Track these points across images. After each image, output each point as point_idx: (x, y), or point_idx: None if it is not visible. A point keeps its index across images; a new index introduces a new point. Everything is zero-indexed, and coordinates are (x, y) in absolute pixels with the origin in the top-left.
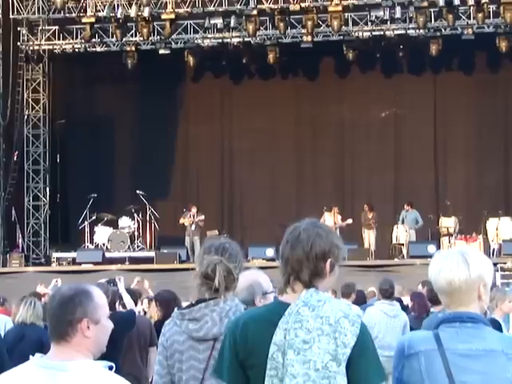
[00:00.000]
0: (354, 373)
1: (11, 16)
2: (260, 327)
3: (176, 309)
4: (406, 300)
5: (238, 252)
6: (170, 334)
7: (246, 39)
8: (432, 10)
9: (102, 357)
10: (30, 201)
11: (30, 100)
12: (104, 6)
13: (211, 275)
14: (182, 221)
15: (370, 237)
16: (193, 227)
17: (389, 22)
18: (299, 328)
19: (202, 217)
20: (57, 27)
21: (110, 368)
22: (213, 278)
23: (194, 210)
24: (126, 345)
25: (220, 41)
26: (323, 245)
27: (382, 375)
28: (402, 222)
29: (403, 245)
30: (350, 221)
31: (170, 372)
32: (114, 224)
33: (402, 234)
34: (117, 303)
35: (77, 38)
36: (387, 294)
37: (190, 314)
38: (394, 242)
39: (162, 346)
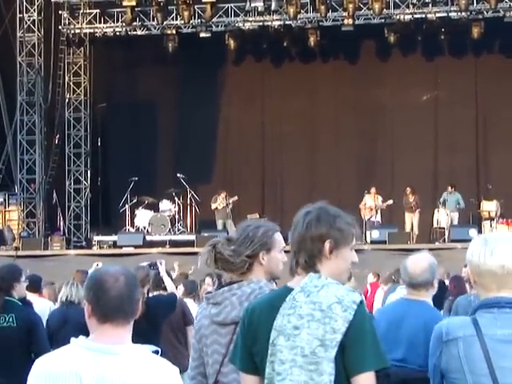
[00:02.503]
0: (347, 358)
1: (53, 0)
2: (264, 313)
3: (205, 293)
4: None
5: (258, 237)
6: (199, 318)
7: (286, 22)
8: None
9: (144, 339)
10: (71, 184)
11: (71, 83)
12: None
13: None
14: (213, 206)
15: (411, 220)
16: (227, 210)
17: (430, 5)
18: (292, 314)
19: (235, 197)
20: (98, 10)
21: (156, 352)
22: (203, 261)
23: (223, 194)
24: None
25: (261, 24)
26: (319, 227)
27: (380, 361)
28: (444, 205)
29: (444, 228)
30: (390, 201)
31: (201, 355)
32: (154, 207)
33: (443, 217)
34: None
35: (118, 21)
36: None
37: (214, 298)
38: (434, 225)
39: (195, 329)
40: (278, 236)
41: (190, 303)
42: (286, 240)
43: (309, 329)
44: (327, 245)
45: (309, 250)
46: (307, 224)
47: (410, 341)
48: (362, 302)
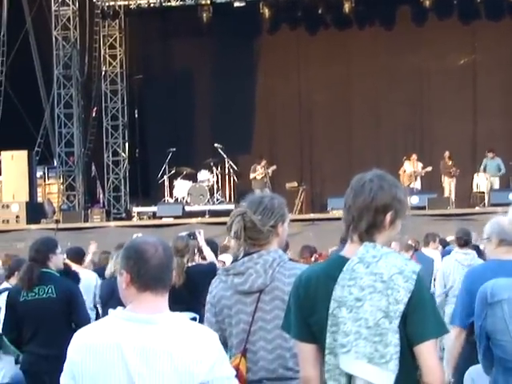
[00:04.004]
0: (410, 328)
1: None
2: (321, 282)
3: (221, 266)
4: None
5: (276, 208)
6: (216, 290)
7: None
8: None
9: (186, 308)
10: (109, 156)
11: (107, 56)
12: None
13: (229, 227)
14: (252, 175)
15: (450, 185)
16: (265, 179)
17: None
18: (353, 285)
19: (274, 167)
20: None
21: (194, 319)
22: (231, 229)
23: (263, 162)
24: None
25: None
26: (385, 197)
27: (440, 329)
28: (484, 170)
29: (484, 193)
30: (429, 168)
31: (221, 328)
32: (193, 178)
33: (483, 182)
34: (196, 256)
35: None
36: (461, 242)
37: (234, 268)
38: (474, 190)
39: (210, 303)
40: (287, 208)
41: None
42: (326, 207)
43: (371, 300)
44: (389, 216)
45: (371, 220)
46: (373, 193)
47: None
48: (420, 271)
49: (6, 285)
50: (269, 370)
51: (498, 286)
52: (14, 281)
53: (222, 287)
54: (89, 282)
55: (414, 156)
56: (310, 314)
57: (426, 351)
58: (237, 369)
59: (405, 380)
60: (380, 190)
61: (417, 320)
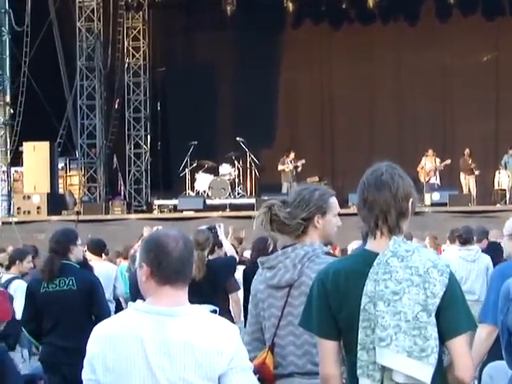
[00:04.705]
0: (443, 322)
1: None
2: (351, 277)
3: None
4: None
5: (313, 200)
6: (254, 283)
7: None
8: None
9: (205, 300)
10: (131, 149)
11: (130, 48)
12: None
13: (256, 218)
14: (280, 167)
15: (469, 182)
16: (294, 172)
17: None
18: (389, 279)
19: (303, 161)
20: None
21: (214, 312)
22: (259, 223)
23: (292, 155)
24: None
25: None
26: (406, 185)
27: (472, 323)
28: (505, 167)
29: (505, 190)
30: (448, 161)
31: (258, 320)
32: (214, 171)
33: (505, 179)
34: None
35: None
36: (461, 240)
37: (268, 262)
38: (496, 187)
39: (251, 295)
40: (334, 200)
41: None
42: (347, 202)
43: (409, 294)
44: (411, 204)
45: (399, 209)
46: (396, 183)
47: None
48: (449, 265)
49: (7, 276)
50: (298, 365)
51: None
52: (14, 270)
53: (258, 280)
54: (108, 275)
55: (431, 152)
56: (338, 311)
57: (459, 345)
58: (263, 363)
59: (436, 372)
60: (400, 179)
61: (450, 314)
